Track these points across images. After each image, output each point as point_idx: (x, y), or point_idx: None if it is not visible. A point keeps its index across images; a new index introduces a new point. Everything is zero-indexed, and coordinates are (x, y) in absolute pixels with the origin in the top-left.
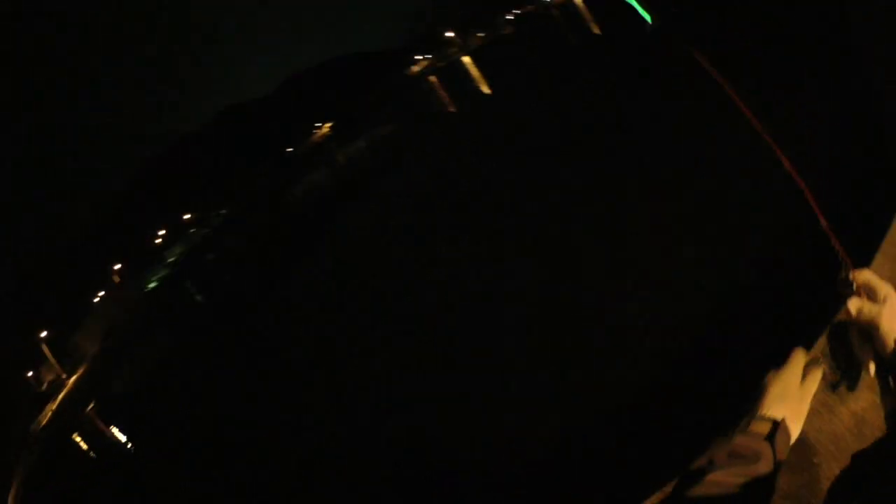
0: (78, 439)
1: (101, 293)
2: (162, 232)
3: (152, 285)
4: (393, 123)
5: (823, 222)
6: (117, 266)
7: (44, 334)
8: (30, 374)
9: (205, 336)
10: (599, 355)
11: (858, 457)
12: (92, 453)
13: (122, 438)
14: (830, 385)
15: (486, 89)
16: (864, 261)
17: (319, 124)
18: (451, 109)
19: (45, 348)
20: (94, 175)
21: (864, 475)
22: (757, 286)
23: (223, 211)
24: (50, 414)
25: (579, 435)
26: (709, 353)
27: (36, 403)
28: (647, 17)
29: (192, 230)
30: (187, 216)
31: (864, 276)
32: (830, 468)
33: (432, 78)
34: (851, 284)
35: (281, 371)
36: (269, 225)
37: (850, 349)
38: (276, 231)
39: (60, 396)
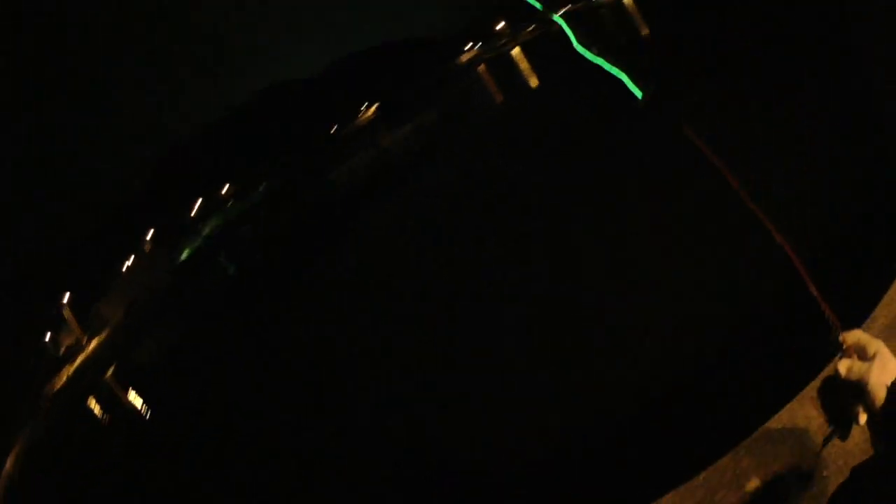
0: (93, 404)
1: (131, 261)
2: (198, 203)
3: (184, 256)
4: (439, 111)
5: (812, 289)
6: (149, 235)
7: (66, 299)
8: (48, 337)
9: (233, 311)
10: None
11: (857, 470)
12: (106, 419)
13: (139, 406)
14: (823, 439)
15: (533, 82)
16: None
17: (365, 106)
18: (499, 100)
19: (67, 312)
20: (132, 145)
21: (861, 489)
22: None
23: (262, 186)
24: (66, 377)
25: (579, 435)
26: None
27: (51, 368)
28: (638, 93)
29: (229, 203)
30: (225, 189)
31: (854, 336)
32: (839, 482)
33: (481, 68)
34: (841, 345)
35: (290, 360)
36: (308, 204)
37: (840, 404)
38: (314, 211)
39: (79, 360)
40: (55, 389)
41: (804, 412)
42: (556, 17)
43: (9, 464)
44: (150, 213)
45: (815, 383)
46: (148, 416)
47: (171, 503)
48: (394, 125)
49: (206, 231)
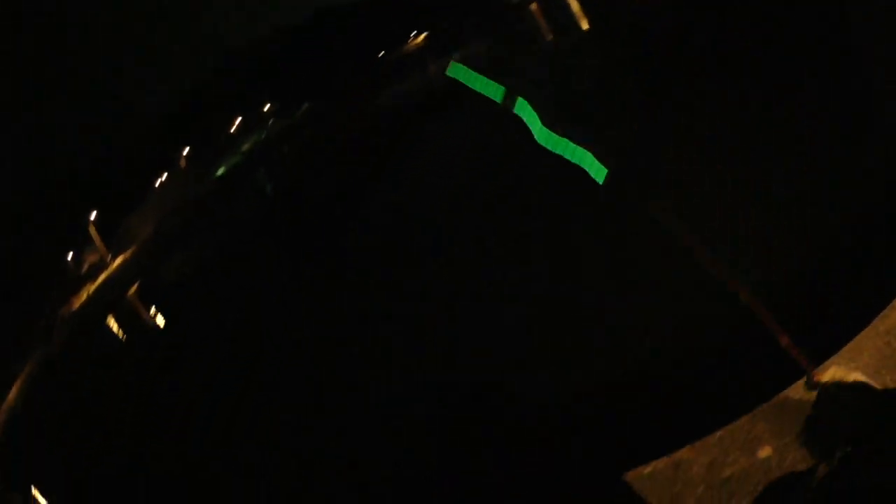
0: (112, 322)
1: (164, 177)
2: (238, 121)
3: (220, 172)
4: (488, 45)
5: (784, 341)
6: (185, 150)
7: (93, 216)
8: (69, 256)
9: (266, 232)
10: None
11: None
12: (124, 338)
13: (160, 325)
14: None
15: (584, 25)
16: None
17: (414, 34)
18: (549, 38)
19: (92, 230)
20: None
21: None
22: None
23: (305, 107)
24: (86, 295)
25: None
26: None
27: (70, 287)
28: (600, 176)
29: (269, 122)
30: (267, 107)
31: (829, 373)
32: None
33: (533, 6)
34: (816, 384)
35: (321, 283)
36: (350, 128)
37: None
38: (355, 136)
39: (102, 278)
40: (72, 309)
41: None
42: (519, 107)
43: (12, 394)
44: (186, 128)
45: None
46: (170, 338)
47: (191, 430)
48: (441, 55)
49: (245, 148)
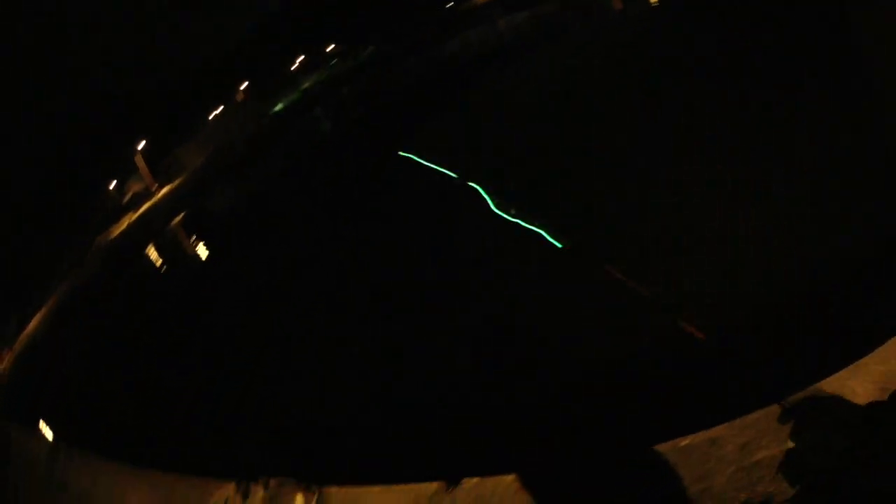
0: (152, 251)
1: (220, 110)
2: (300, 59)
3: (279, 108)
4: (560, 4)
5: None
6: (244, 85)
7: (141, 145)
8: (112, 184)
9: (320, 171)
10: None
11: None
12: (164, 268)
13: (203, 256)
14: None
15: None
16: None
17: None
18: (618, 7)
19: (139, 159)
20: None
21: None
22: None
23: (369, 50)
24: (126, 224)
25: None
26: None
27: (111, 215)
28: (558, 244)
29: (332, 62)
30: (330, 48)
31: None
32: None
33: None
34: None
35: (371, 227)
36: (412, 75)
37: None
38: (417, 83)
39: (145, 206)
40: (110, 238)
41: (851, 384)
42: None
43: (33, 323)
44: (246, 64)
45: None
46: (210, 270)
47: (224, 363)
48: (512, 9)
49: (305, 86)
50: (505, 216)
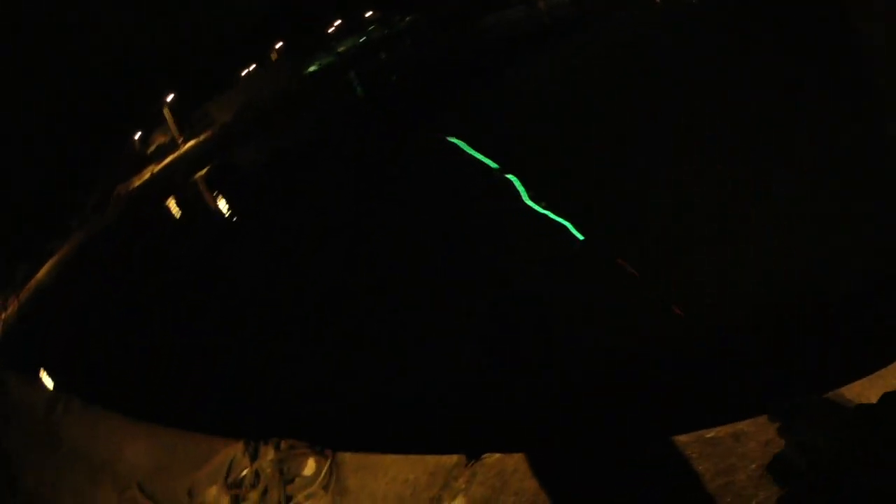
0: (172, 203)
1: (253, 67)
2: (338, 22)
3: (312, 69)
4: None
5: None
6: (278, 45)
7: (169, 98)
8: (137, 135)
9: (350, 133)
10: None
11: None
12: (184, 220)
13: (225, 212)
14: None
15: None
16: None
17: None
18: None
19: (166, 111)
20: None
21: None
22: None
23: (409, 18)
24: (149, 175)
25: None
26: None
27: (133, 166)
28: (579, 235)
29: (370, 28)
30: (369, 13)
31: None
32: None
33: None
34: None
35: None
36: (449, 45)
37: None
38: (454, 54)
39: (169, 158)
40: (130, 188)
41: (868, 393)
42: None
43: (43, 271)
44: (281, 24)
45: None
46: (232, 224)
47: (238, 322)
48: None
49: (341, 49)
50: (536, 208)
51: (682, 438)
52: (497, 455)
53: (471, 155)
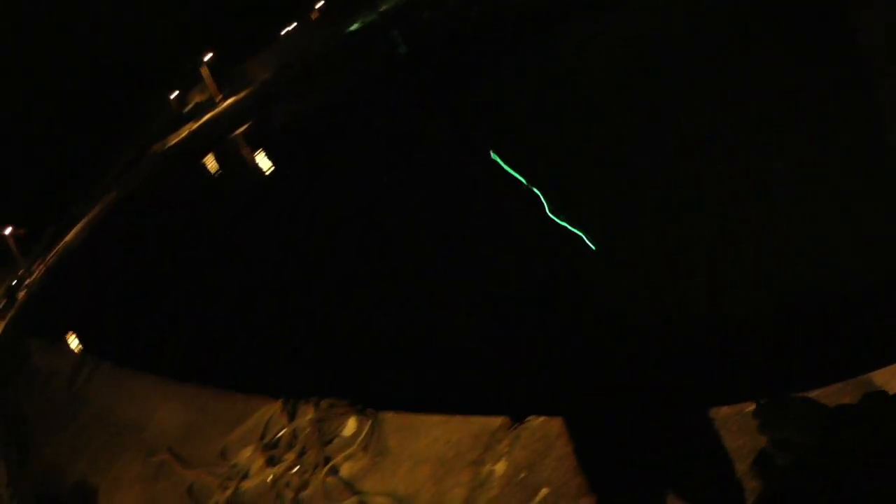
0: (211, 160)
1: (293, 25)
2: None
3: (354, 27)
4: None
5: None
6: (319, 4)
7: (207, 57)
8: (174, 94)
9: (392, 93)
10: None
11: None
12: (223, 176)
13: (266, 167)
14: None
15: None
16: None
17: None
18: None
19: (204, 71)
20: None
21: None
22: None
23: None
24: (188, 132)
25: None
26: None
27: (170, 125)
28: (593, 247)
29: None
30: None
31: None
32: None
33: None
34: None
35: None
36: (496, 7)
37: None
38: (500, 17)
39: (207, 116)
40: (166, 146)
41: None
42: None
43: (72, 233)
44: None
45: None
46: (270, 183)
47: (273, 280)
48: None
49: (384, 8)
50: (556, 220)
51: (723, 410)
52: (542, 418)
53: (506, 170)
